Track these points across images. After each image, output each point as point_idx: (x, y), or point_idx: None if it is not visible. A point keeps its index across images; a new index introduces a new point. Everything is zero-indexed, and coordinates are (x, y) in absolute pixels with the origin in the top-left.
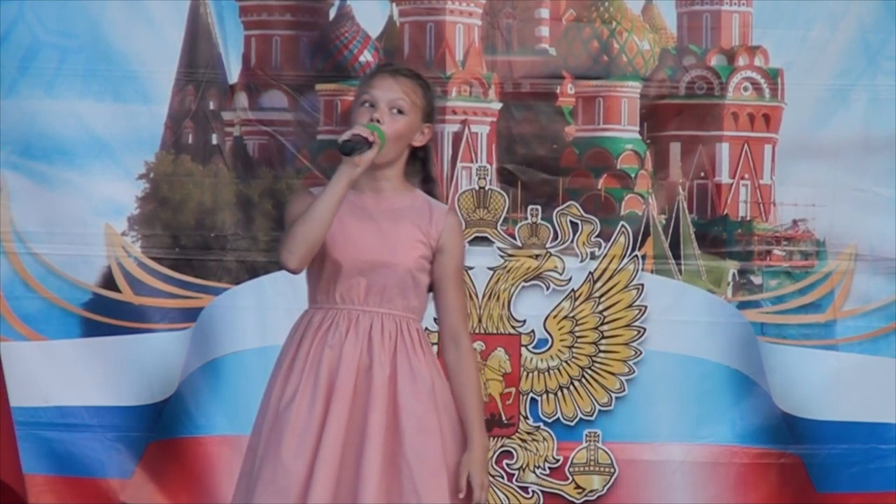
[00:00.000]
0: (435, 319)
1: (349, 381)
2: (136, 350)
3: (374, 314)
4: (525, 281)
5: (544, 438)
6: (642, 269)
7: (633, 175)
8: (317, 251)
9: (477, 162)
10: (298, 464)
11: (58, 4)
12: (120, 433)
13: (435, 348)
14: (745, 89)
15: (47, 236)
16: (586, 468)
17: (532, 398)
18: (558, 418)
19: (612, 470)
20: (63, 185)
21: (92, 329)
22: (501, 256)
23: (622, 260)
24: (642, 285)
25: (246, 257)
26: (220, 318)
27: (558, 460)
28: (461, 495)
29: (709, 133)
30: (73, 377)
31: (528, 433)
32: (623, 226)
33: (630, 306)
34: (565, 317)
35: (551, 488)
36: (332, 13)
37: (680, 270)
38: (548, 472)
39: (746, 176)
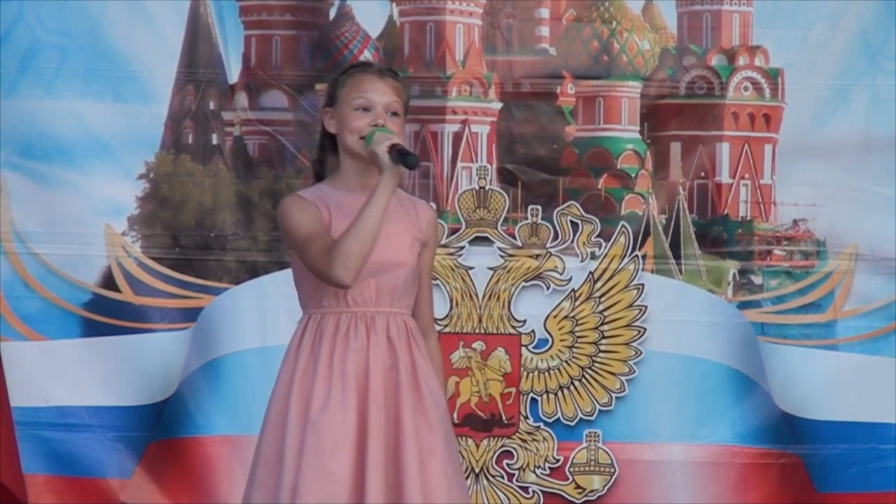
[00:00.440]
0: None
1: (381, 382)
2: (136, 350)
3: (388, 314)
4: (525, 281)
5: (544, 438)
6: (642, 269)
7: (633, 175)
8: None
9: (477, 162)
10: (343, 469)
11: (58, 4)
12: (120, 433)
13: None
14: (746, 89)
15: (47, 236)
16: (586, 468)
17: (532, 398)
18: (558, 418)
19: (612, 470)
20: (63, 185)
21: (92, 329)
22: (502, 256)
23: (622, 260)
24: (642, 285)
25: (246, 257)
26: (220, 318)
27: (558, 460)
28: None
29: (709, 133)
30: (73, 377)
31: (529, 433)
32: (623, 226)
33: (630, 306)
34: (566, 317)
35: (551, 488)
36: (333, 13)
37: (680, 270)
38: (548, 472)
39: (747, 176)
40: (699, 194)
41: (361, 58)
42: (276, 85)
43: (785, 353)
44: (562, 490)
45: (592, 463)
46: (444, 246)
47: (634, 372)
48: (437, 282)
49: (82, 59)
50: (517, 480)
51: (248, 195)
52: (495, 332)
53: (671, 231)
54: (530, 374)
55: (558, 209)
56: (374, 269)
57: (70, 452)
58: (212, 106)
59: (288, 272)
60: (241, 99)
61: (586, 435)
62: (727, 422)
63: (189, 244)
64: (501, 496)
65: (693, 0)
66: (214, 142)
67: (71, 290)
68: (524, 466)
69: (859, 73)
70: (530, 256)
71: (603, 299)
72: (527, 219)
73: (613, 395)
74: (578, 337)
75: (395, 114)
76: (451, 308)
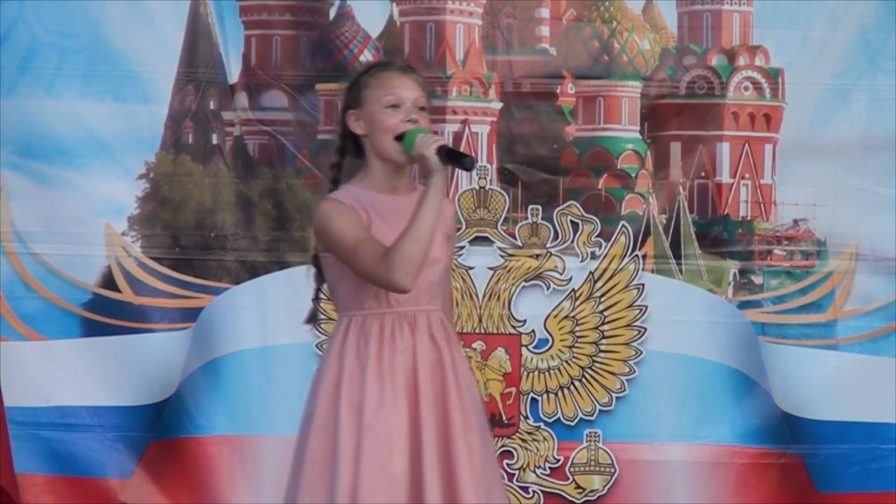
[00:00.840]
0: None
1: (428, 381)
2: (136, 350)
3: (427, 312)
4: (525, 281)
5: (545, 438)
6: (643, 269)
7: (633, 175)
8: None
9: (477, 162)
10: (402, 470)
11: (58, 4)
12: (120, 433)
13: None
14: (746, 89)
15: (47, 236)
16: (587, 468)
17: (532, 398)
18: (559, 418)
19: (612, 470)
20: (63, 185)
21: (92, 329)
22: (502, 256)
23: (623, 260)
24: (643, 285)
25: (246, 257)
26: (220, 318)
27: (559, 460)
28: None
29: (709, 133)
30: (73, 377)
31: (529, 433)
32: (623, 225)
33: (630, 306)
34: (566, 317)
35: (552, 488)
36: (333, 13)
37: (680, 270)
38: (548, 472)
39: (747, 176)
40: (699, 194)
41: (361, 57)
42: (276, 85)
43: (785, 352)
44: (562, 490)
45: (593, 463)
46: None
47: (635, 372)
48: None
49: (82, 59)
50: (517, 480)
51: (248, 195)
52: (495, 332)
53: (671, 231)
54: (530, 374)
55: (558, 209)
56: None
57: (70, 452)
58: (212, 106)
59: (288, 272)
60: (241, 99)
61: (586, 435)
62: (727, 422)
63: (189, 244)
64: None
65: (693, 0)
66: (214, 142)
67: (71, 290)
68: (524, 466)
69: (859, 73)
70: (530, 256)
71: (603, 299)
72: (527, 219)
73: (614, 394)
74: (579, 337)
75: (422, 108)
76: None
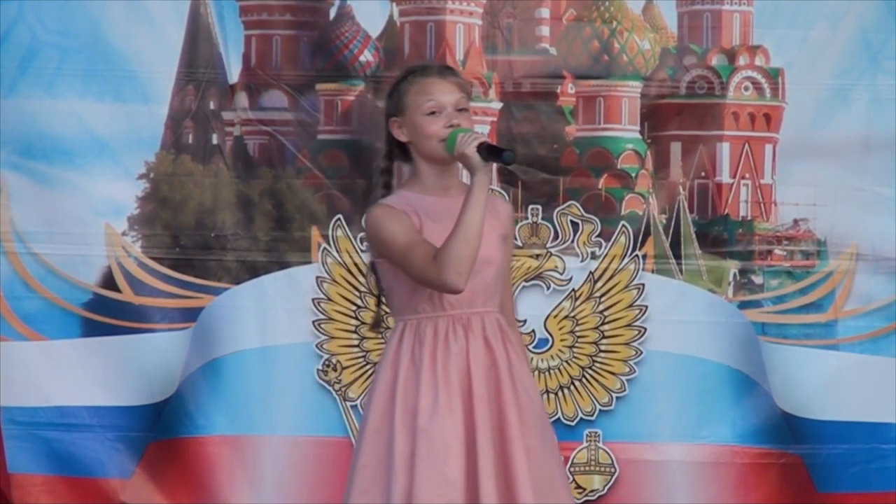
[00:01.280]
0: None
1: (484, 384)
2: (136, 350)
3: (482, 314)
4: (525, 281)
5: None
6: (643, 269)
7: (633, 175)
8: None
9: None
10: (458, 475)
11: (58, 4)
12: (120, 433)
13: None
14: (746, 89)
15: (47, 236)
16: (587, 468)
17: None
18: (559, 418)
19: (612, 470)
20: (63, 185)
21: (92, 329)
22: None
23: (623, 260)
24: (643, 285)
25: (246, 257)
26: (220, 318)
27: None
28: None
29: (709, 133)
30: (73, 377)
31: None
32: (624, 225)
33: (631, 306)
34: (566, 316)
35: None
36: (333, 13)
37: (681, 270)
38: None
39: (747, 175)
40: (699, 194)
41: (361, 58)
42: (276, 85)
43: (785, 352)
44: None
45: (593, 463)
46: None
47: (635, 372)
48: None
49: (82, 59)
50: None
51: (248, 195)
52: None
53: (671, 231)
54: None
55: (558, 209)
56: None
57: (70, 452)
58: (212, 106)
59: (288, 272)
60: (241, 99)
61: (587, 435)
62: (727, 422)
63: (189, 244)
64: None
65: (693, 0)
66: (214, 142)
67: (71, 290)
68: None
69: (860, 73)
70: (530, 256)
71: (603, 299)
72: (527, 219)
73: (614, 394)
74: (579, 337)
75: (463, 110)
76: None
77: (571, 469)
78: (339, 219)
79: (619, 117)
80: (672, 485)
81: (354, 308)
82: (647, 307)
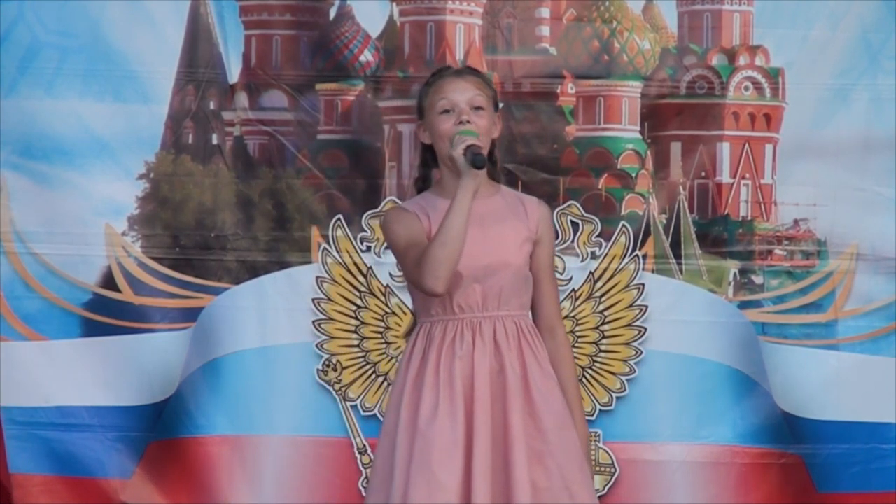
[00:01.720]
0: None
1: (486, 388)
2: (136, 350)
3: (494, 318)
4: None
5: None
6: (643, 269)
7: (633, 175)
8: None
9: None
10: (452, 479)
11: (58, 4)
12: (120, 433)
13: None
14: (746, 89)
15: (47, 236)
16: None
17: None
18: None
19: (612, 470)
20: (63, 185)
21: (92, 329)
22: None
23: (623, 260)
24: (643, 285)
25: (246, 257)
26: (220, 318)
27: None
28: None
29: (709, 133)
30: (73, 377)
31: None
32: (624, 225)
33: (631, 306)
34: (566, 316)
35: None
36: (333, 13)
37: (681, 270)
38: None
39: (747, 175)
40: (700, 194)
41: (361, 57)
42: (276, 85)
43: (786, 352)
44: None
45: (593, 463)
46: None
47: (635, 372)
48: None
49: (82, 59)
50: None
51: (248, 195)
52: None
53: (672, 231)
54: None
55: (559, 209)
56: (478, 273)
57: (70, 452)
58: (212, 106)
59: (288, 272)
60: (241, 99)
61: None
62: (728, 422)
63: (189, 244)
64: None
65: (693, 0)
66: (214, 142)
67: (71, 290)
68: None
69: (860, 73)
70: None
71: (603, 299)
72: None
73: (614, 394)
74: (579, 337)
75: (479, 108)
76: None
77: None
78: (339, 219)
79: (620, 117)
80: (672, 485)
81: (354, 308)
82: (647, 307)
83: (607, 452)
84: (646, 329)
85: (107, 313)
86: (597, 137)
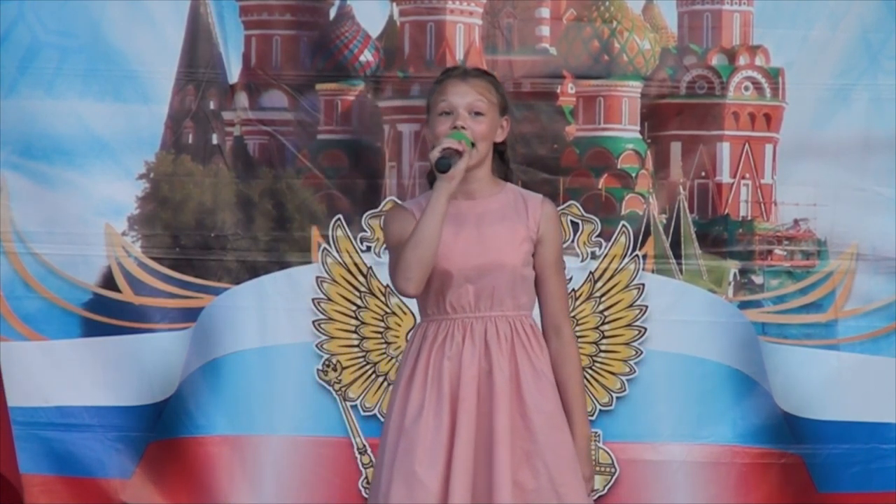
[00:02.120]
0: None
1: (472, 389)
2: (136, 350)
3: (486, 318)
4: None
5: None
6: (643, 269)
7: (633, 175)
8: (430, 270)
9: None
10: (432, 477)
11: (58, 4)
12: (120, 433)
13: None
14: (746, 89)
15: (47, 236)
16: None
17: None
18: None
19: (612, 470)
20: (63, 185)
21: (92, 329)
22: None
23: (623, 260)
24: (643, 285)
25: (246, 257)
26: (220, 318)
27: None
28: None
29: (710, 133)
30: (73, 377)
31: None
32: (624, 225)
33: (631, 306)
34: None
35: None
36: (333, 13)
37: (681, 270)
38: None
39: (747, 175)
40: (700, 194)
41: (361, 57)
42: (276, 85)
43: (786, 352)
44: None
45: (593, 463)
46: None
47: (635, 372)
48: None
49: (82, 59)
50: None
51: (248, 195)
52: None
53: (672, 231)
54: None
55: (559, 209)
56: (471, 273)
57: (70, 452)
58: (212, 106)
59: (288, 272)
60: (241, 99)
61: None
62: (728, 422)
63: (189, 244)
64: None
65: (693, 0)
66: (214, 142)
67: (71, 290)
68: None
69: (860, 73)
70: None
71: (603, 299)
72: None
73: (614, 394)
74: (579, 337)
75: (479, 113)
76: None
77: None
78: (339, 219)
79: (620, 117)
80: (672, 485)
81: (354, 308)
82: (647, 307)
83: (607, 452)
84: (646, 329)
85: (107, 313)
86: (597, 137)
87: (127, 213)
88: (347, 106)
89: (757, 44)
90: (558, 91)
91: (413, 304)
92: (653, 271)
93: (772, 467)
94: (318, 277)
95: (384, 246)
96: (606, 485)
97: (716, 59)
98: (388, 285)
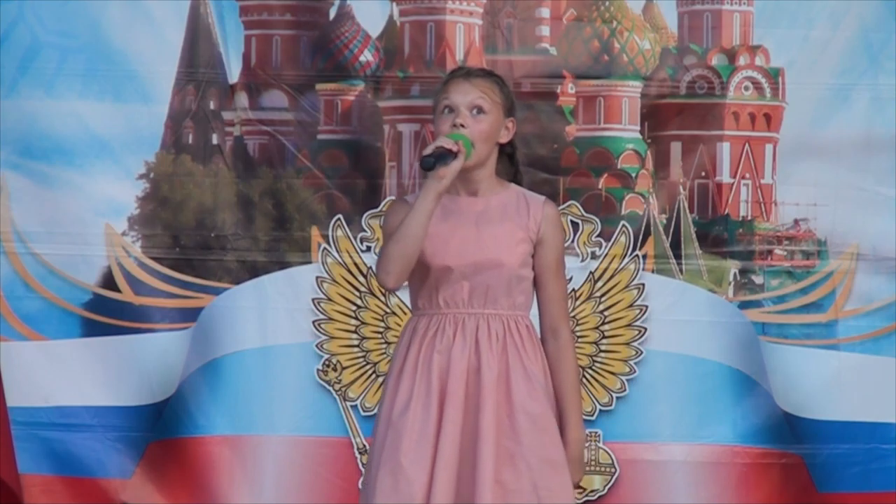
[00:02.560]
0: None
1: (460, 384)
2: (136, 350)
3: (479, 316)
4: None
5: None
6: (643, 269)
7: (633, 174)
8: (413, 266)
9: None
10: (418, 470)
11: (58, 4)
12: (120, 433)
13: None
14: (746, 89)
15: (47, 236)
16: (587, 468)
17: None
18: None
19: (613, 470)
20: (63, 185)
21: (92, 329)
22: None
23: (623, 259)
24: (643, 285)
25: (246, 257)
26: (220, 318)
27: None
28: None
29: (710, 132)
30: (73, 377)
31: None
32: (624, 225)
33: (631, 306)
34: None
35: None
36: (333, 13)
37: (681, 270)
38: None
39: (747, 175)
40: (700, 194)
41: (361, 57)
42: (276, 85)
43: (786, 352)
44: None
45: (593, 463)
46: None
47: (635, 372)
48: None
49: (82, 59)
50: None
51: (249, 195)
52: None
53: (672, 231)
54: None
55: (559, 209)
56: (467, 271)
57: (70, 452)
58: (212, 106)
59: (288, 272)
60: (242, 99)
61: (587, 435)
62: (728, 422)
63: (189, 244)
64: None
65: (693, 0)
66: (214, 142)
67: (71, 290)
68: None
69: (860, 73)
70: None
71: (603, 299)
72: None
73: (614, 394)
74: (579, 337)
75: (480, 111)
76: None
77: None
78: (339, 219)
79: (620, 117)
80: (672, 485)
81: (354, 308)
82: (647, 307)
83: (607, 452)
84: (646, 329)
85: (107, 313)
86: (597, 137)
87: (127, 213)
88: (347, 106)
89: (757, 44)
90: (558, 91)
91: None
92: (653, 271)
93: (772, 467)
94: (318, 277)
95: None
96: (606, 485)
97: (716, 59)
98: None
